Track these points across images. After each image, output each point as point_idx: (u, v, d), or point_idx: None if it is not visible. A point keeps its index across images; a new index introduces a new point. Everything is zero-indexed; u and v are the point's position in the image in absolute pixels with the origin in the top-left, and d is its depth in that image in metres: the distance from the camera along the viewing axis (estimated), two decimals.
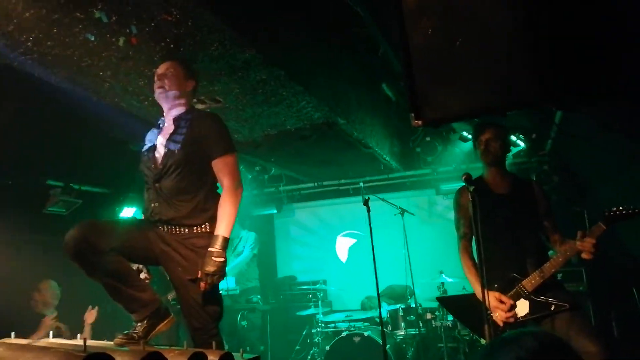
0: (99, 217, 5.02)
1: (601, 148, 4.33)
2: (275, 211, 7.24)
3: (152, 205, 2.39)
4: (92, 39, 2.46)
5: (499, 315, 2.65)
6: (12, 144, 3.81)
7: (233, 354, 1.94)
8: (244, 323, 5.56)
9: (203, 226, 2.37)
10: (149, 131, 2.64)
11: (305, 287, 6.38)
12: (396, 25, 1.58)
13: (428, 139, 5.93)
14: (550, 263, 2.63)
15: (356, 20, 3.73)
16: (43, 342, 2.35)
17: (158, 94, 2.49)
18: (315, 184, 7.11)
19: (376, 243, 3.63)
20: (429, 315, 5.18)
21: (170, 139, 2.41)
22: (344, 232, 7.25)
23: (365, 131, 4.56)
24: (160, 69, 2.50)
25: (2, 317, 3.76)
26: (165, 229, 2.37)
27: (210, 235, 2.33)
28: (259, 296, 5.97)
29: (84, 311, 4.34)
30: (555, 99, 1.48)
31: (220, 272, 2.28)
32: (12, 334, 2.56)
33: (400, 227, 5.28)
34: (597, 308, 4.86)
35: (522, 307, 2.66)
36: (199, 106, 3.48)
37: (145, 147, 2.52)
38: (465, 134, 5.45)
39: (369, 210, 3.58)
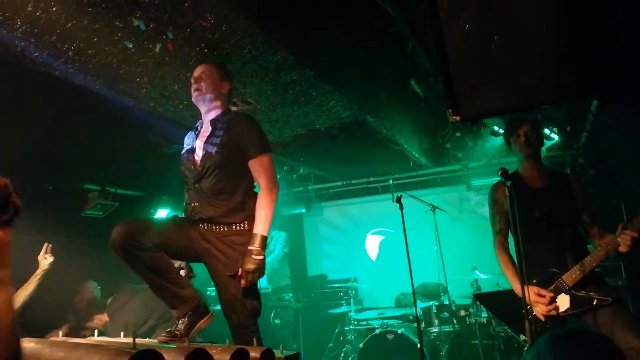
0: None
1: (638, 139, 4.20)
2: (304, 210, 7.29)
3: (193, 204, 2.46)
4: (130, 46, 2.54)
5: (539, 309, 2.61)
6: (52, 149, 3.95)
7: (273, 350, 1.98)
8: (277, 321, 5.63)
9: (242, 224, 2.43)
10: (184, 134, 2.71)
11: (336, 285, 6.40)
12: (431, 22, 1.58)
13: (458, 134, 5.85)
14: (591, 257, 2.58)
15: (385, 18, 3.73)
16: (91, 339, 2.44)
17: (195, 97, 2.55)
18: (344, 182, 7.12)
19: (408, 240, 3.60)
20: (462, 312, 5.12)
21: (207, 141, 2.47)
22: (374, 230, 7.23)
23: (394, 128, 4.55)
24: (197, 72, 2.56)
25: (43, 317, 3.89)
26: (206, 227, 2.44)
27: (249, 233, 2.39)
28: (291, 294, 6.02)
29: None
30: (597, 92, 1.45)
31: (260, 270, 2.34)
32: (60, 332, 2.67)
33: (431, 224, 5.24)
34: (637, 302, 4.74)
35: (563, 302, 2.62)
36: (232, 108, 3.54)
37: (185, 150, 2.59)
38: (496, 128, 5.35)
39: (402, 208, 3.57)
